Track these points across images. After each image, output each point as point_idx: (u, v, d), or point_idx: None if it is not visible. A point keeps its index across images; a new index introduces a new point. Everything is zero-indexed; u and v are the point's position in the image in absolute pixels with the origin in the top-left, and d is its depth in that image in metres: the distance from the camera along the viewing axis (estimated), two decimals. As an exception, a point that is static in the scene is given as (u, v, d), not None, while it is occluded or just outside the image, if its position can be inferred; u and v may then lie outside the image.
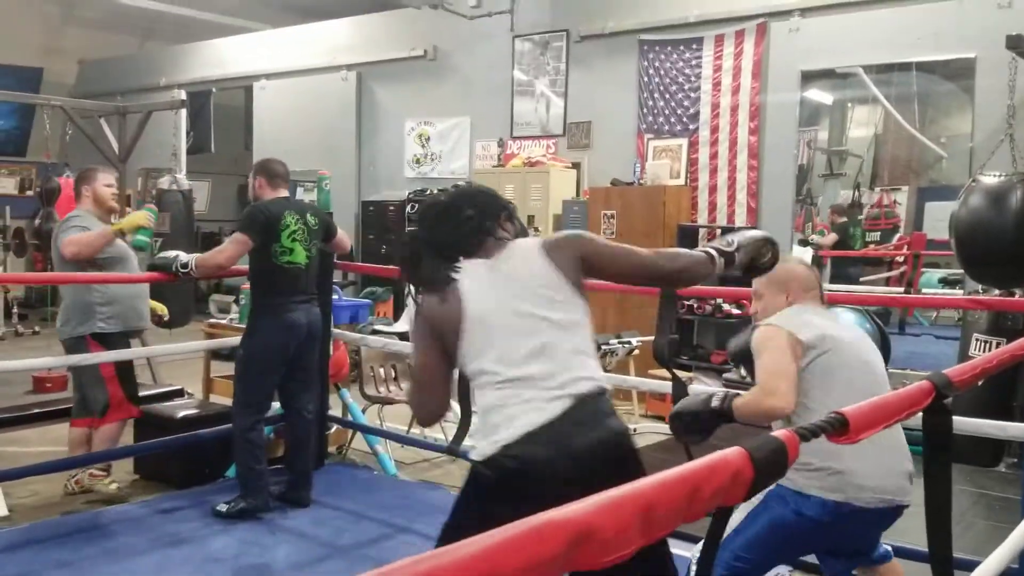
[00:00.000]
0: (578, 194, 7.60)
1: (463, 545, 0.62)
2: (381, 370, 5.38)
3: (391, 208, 8.68)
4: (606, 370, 6.22)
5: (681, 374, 7.02)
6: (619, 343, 6.07)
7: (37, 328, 9.99)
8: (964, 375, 1.41)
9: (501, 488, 1.93)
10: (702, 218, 7.03)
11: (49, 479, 4.34)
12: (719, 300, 6.71)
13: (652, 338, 6.70)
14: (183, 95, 10.98)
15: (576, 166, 7.71)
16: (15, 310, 10.13)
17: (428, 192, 8.51)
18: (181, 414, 4.76)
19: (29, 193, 12.14)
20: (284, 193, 4.17)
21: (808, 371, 2.55)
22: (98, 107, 8.37)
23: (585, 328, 2.07)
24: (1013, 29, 5.12)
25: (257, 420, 4.13)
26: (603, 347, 6.13)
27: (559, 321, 2.03)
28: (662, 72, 7.20)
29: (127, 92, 11.59)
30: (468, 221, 2.13)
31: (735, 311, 6.68)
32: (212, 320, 6.82)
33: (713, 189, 6.95)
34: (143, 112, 7.79)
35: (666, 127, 7.19)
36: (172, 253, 4.13)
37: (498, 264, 2.11)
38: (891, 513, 2.57)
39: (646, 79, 7.30)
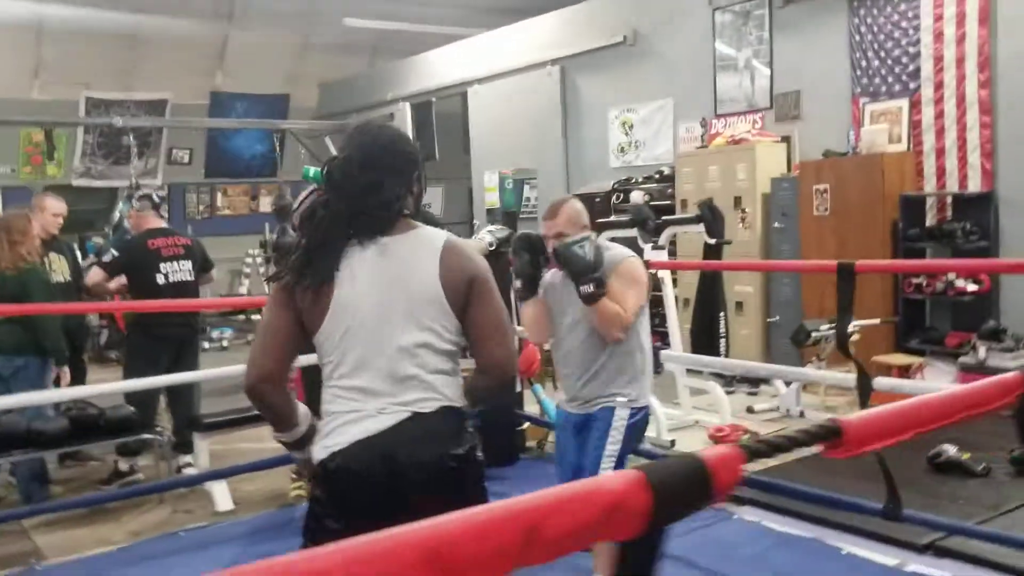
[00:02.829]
0: (789, 170, 7.13)
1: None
2: (572, 365, 5.34)
3: (597, 199, 8.60)
4: (819, 358, 5.80)
5: (912, 359, 6.38)
6: (830, 329, 5.61)
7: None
8: None
9: (328, 495, 1.92)
10: (929, 186, 6.33)
11: (275, 474, 4.70)
12: (951, 276, 6.02)
13: (874, 321, 6.17)
14: (407, 108, 11.62)
15: (786, 140, 7.23)
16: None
17: (632, 180, 8.38)
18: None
19: (285, 210, 13.36)
20: None
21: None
22: (319, 127, 9.05)
23: (448, 349, 1.97)
24: None
25: None
26: (814, 334, 5.71)
27: (426, 341, 1.94)
28: (875, 28, 6.56)
29: (361, 109, 12.40)
30: (374, 192, 1.99)
31: (970, 287, 5.97)
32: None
33: (941, 152, 6.23)
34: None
35: (883, 88, 6.55)
36: None
37: (389, 252, 1.98)
38: None
39: (858, 38, 6.69)
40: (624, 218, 5.83)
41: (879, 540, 3.67)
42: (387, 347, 1.94)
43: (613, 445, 3.04)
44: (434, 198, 13.68)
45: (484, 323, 2.00)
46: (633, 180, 8.37)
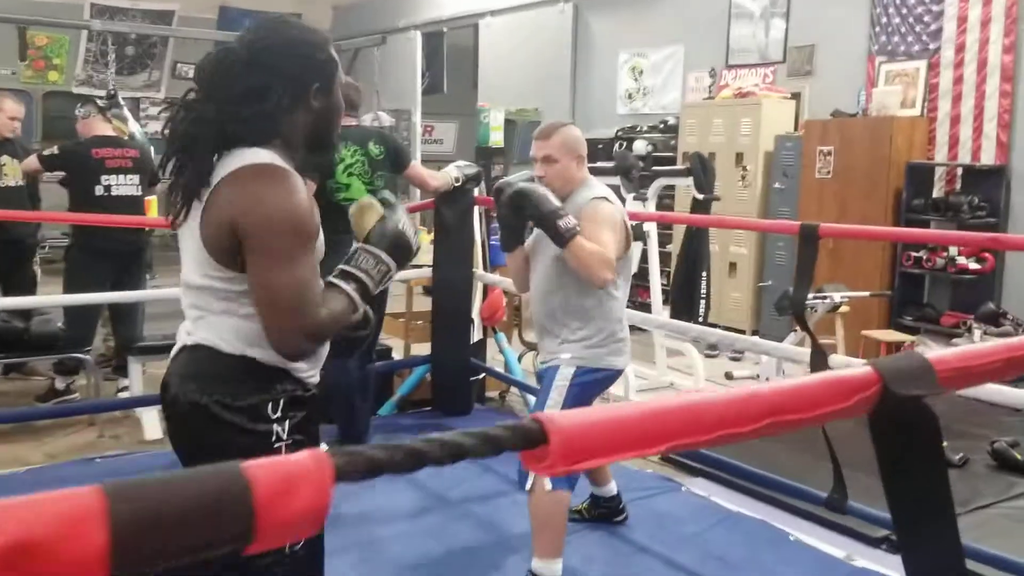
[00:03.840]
0: (796, 128, 6.74)
1: None
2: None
3: (599, 146, 8.25)
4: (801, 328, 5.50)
5: (904, 337, 6.07)
6: (815, 298, 5.29)
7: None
8: (952, 364, 0.84)
9: None
10: (940, 155, 5.94)
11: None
12: (953, 252, 5.67)
13: (863, 294, 5.83)
14: (418, 37, 11.19)
15: (796, 97, 6.83)
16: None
17: (637, 128, 8.01)
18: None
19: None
20: (350, 121, 3.79)
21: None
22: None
23: (221, 291, 1.68)
24: None
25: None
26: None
27: (199, 280, 1.70)
28: (900, -18, 6.12)
29: (374, 34, 11.98)
30: (256, 99, 1.66)
31: (972, 265, 5.62)
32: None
33: (956, 120, 5.82)
34: (351, 51, 7.99)
35: (902, 47, 6.12)
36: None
37: (219, 172, 1.67)
38: None
39: (881, -8, 6.25)
40: (608, 165, 5.50)
41: (832, 528, 3.41)
42: (186, 274, 1.75)
43: (552, 407, 2.77)
44: (446, 135, 13.32)
45: (255, 286, 1.63)
46: (638, 128, 8.01)
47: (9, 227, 4.83)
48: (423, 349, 5.08)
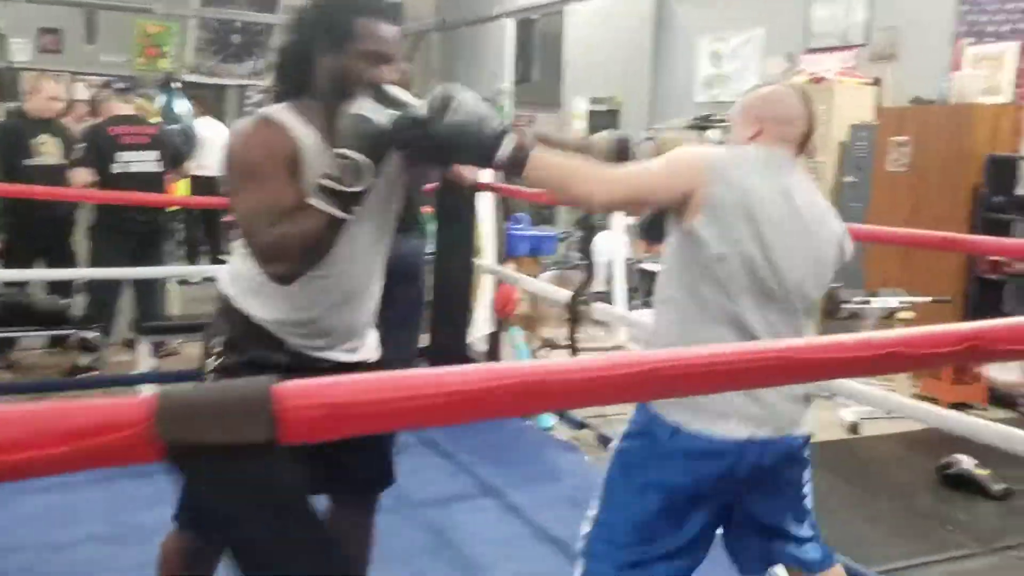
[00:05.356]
0: (876, 116, 6.18)
1: None
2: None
3: (672, 135, 7.86)
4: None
5: None
6: (862, 303, 4.80)
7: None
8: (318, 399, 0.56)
9: None
10: (1029, 147, 5.30)
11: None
12: (1036, 257, 5.04)
13: (924, 299, 5.25)
14: (510, 24, 11.02)
15: (876, 83, 6.26)
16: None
17: (713, 117, 7.58)
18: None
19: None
20: None
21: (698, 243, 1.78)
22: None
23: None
24: None
25: None
26: (843, 306, 4.92)
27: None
28: (993, -45, 5.49)
29: (473, 23, 11.89)
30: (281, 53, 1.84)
31: (1057, 273, 4.98)
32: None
33: (1048, 109, 5.18)
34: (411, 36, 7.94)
35: (991, 28, 5.49)
36: None
37: None
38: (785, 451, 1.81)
39: (973, -34, 5.63)
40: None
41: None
42: None
43: (595, 500, 1.89)
44: (548, 126, 13.13)
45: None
46: (714, 117, 7.57)
47: (49, 205, 4.95)
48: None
